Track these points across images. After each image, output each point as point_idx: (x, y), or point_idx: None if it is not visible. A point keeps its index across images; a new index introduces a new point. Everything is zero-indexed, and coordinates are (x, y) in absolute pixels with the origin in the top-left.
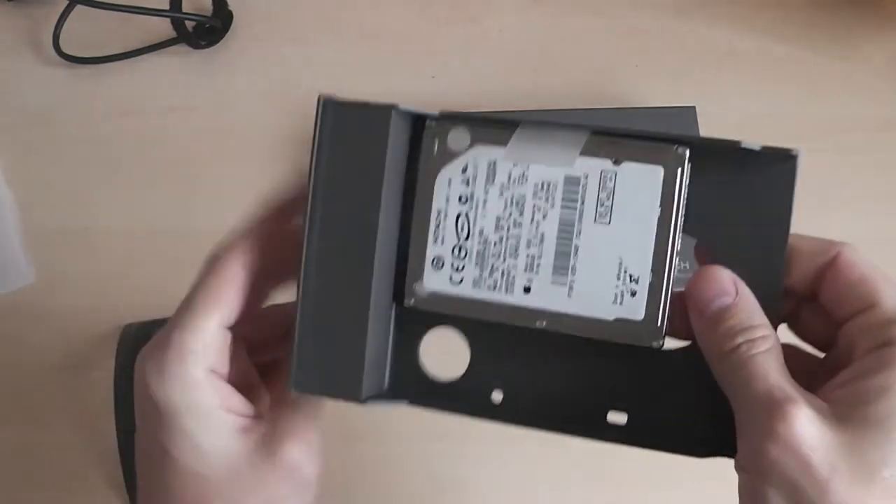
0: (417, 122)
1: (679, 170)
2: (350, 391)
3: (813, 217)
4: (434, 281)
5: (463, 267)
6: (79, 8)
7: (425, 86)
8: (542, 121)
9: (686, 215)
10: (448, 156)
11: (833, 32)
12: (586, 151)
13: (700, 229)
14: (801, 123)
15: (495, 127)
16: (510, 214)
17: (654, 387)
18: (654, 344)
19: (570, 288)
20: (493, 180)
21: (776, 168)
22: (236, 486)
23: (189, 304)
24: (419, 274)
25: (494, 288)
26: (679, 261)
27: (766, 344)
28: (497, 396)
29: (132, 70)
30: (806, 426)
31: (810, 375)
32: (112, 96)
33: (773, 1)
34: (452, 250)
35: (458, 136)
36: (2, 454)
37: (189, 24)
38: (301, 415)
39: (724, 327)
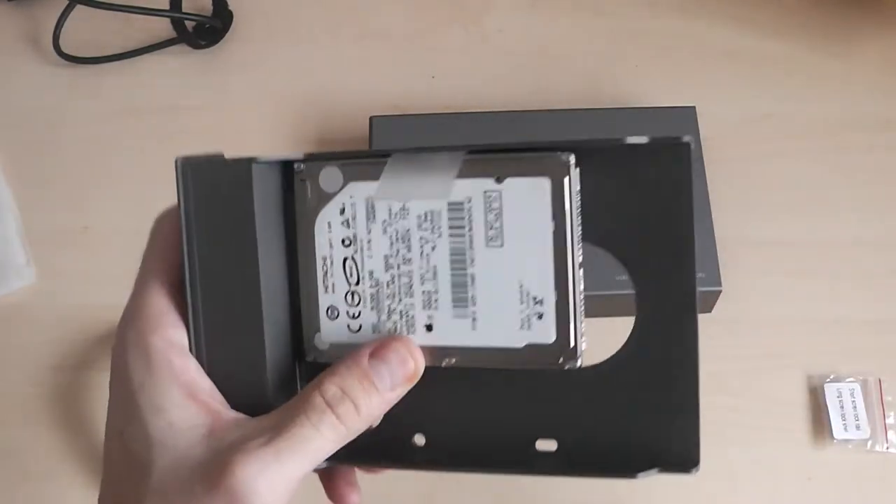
0: (290, 169)
1: (566, 178)
2: None
3: (813, 217)
4: (332, 332)
5: (359, 314)
6: (79, 8)
7: (425, 86)
8: (415, 149)
9: (583, 223)
10: (323, 199)
11: (833, 32)
12: (465, 173)
13: (600, 234)
14: (801, 123)
15: (367, 162)
16: (398, 251)
17: (579, 409)
18: (571, 365)
19: (474, 320)
20: (374, 218)
21: (670, 159)
22: (170, 486)
23: (138, 273)
24: (316, 327)
25: (395, 331)
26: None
27: None
28: (419, 440)
29: (132, 70)
30: None
31: None
32: (112, 96)
33: (773, 1)
34: (345, 297)
35: (329, 177)
36: (1, 454)
37: (189, 24)
38: (290, 440)
39: None
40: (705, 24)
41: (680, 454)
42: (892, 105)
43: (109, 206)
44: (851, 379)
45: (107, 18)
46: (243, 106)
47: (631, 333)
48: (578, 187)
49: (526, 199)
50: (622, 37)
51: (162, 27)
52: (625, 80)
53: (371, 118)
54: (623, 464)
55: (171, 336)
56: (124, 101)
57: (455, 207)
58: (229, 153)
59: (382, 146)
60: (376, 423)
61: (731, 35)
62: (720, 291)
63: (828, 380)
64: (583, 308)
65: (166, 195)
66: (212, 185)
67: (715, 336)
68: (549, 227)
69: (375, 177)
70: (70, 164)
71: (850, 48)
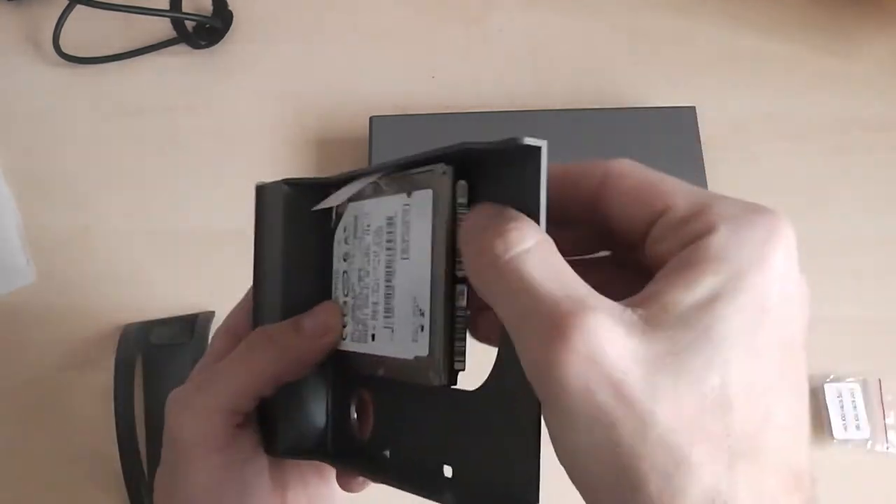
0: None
1: (444, 190)
2: (266, 445)
3: (812, 216)
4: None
5: (346, 323)
6: (79, 8)
7: (425, 86)
8: (374, 168)
9: None
10: (338, 219)
11: (832, 32)
12: (392, 190)
13: None
14: (801, 123)
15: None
16: (363, 265)
17: (464, 436)
18: (437, 380)
19: (392, 330)
20: (356, 234)
21: (529, 161)
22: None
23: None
24: None
25: (359, 339)
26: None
27: (525, 240)
28: (388, 454)
29: (132, 70)
30: (608, 340)
31: None
32: (112, 96)
33: (773, 1)
34: (342, 306)
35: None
36: (1, 453)
37: (189, 24)
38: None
39: (475, 228)
40: (705, 24)
41: (521, 496)
42: (892, 105)
43: (109, 206)
44: (851, 379)
45: (107, 18)
46: (243, 106)
47: (496, 357)
48: (464, 199)
49: (420, 211)
50: (622, 37)
51: (162, 27)
52: (625, 80)
53: (371, 118)
54: (514, 495)
55: (233, 325)
56: (124, 101)
57: (389, 223)
58: (232, 155)
59: (382, 146)
60: (291, 364)
61: (731, 35)
62: None
63: (828, 380)
64: (462, 324)
65: (166, 194)
66: (263, 201)
67: None
68: (429, 238)
69: (362, 196)
70: (70, 164)
71: (850, 48)
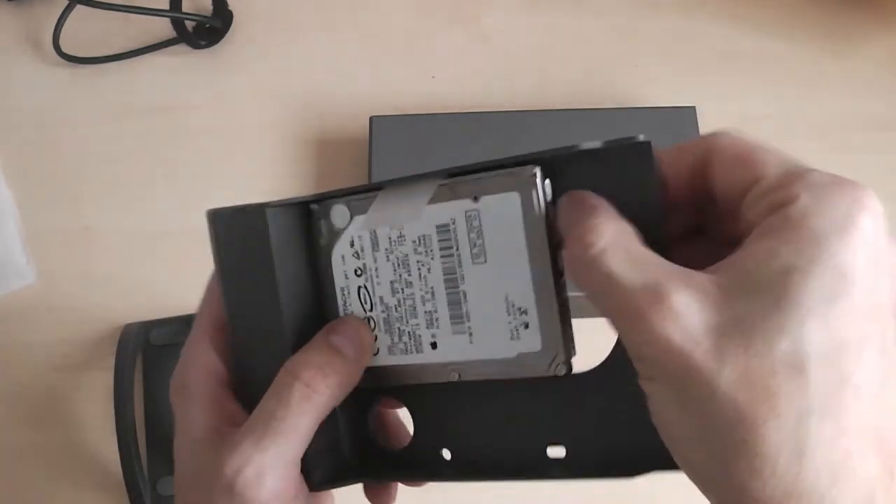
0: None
1: (533, 191)
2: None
3: None
4: None
5: (376, 338)
6: (79, 8)
7: (425, 86)
8: (401, 178)
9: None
10: (336, 234)
11: (833, 31)
12: (447, 196)
13: None
14: (801, 123)
15: (369, 196)
16: (401, 276)
17: (581, 414)
18: (559, 371)
19: (470, 334)
20: (378, 247)
21: (633, 157)
22: (190, 485)
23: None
24: None
25: (406, 351)
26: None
27: (601, 238)
28: (446, 454)
29: (132, 70)
30: (681, 316)
31: None
32: (112, 96)
33: (773, 0)
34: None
35: (338, 214)
36: (1, 454)
37: (189, 24)
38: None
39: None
40: (705, 24)
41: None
42: (893, 105)
43: (109, 206)
44: None
45: (107, 18)
46: (243, 106)
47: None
48: (550, 198)
49: (501, 214)
50: (622, 37)
51: (162, 27)
52: (625, 80)
53: (371, 118)
54: (635, 462)
55: (206, 367)
56: (124, 101)
57: (442, 230)
58: (233, 155)
59: (382, 146)
60: (344, 392)
61: (731, 35)
62: None
63: None
64: (569, 313)
65: (166, 195)
66: (235, 229)
67: None
68: (523, 239)
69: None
70: (70, 164)
71: (851, 48)
